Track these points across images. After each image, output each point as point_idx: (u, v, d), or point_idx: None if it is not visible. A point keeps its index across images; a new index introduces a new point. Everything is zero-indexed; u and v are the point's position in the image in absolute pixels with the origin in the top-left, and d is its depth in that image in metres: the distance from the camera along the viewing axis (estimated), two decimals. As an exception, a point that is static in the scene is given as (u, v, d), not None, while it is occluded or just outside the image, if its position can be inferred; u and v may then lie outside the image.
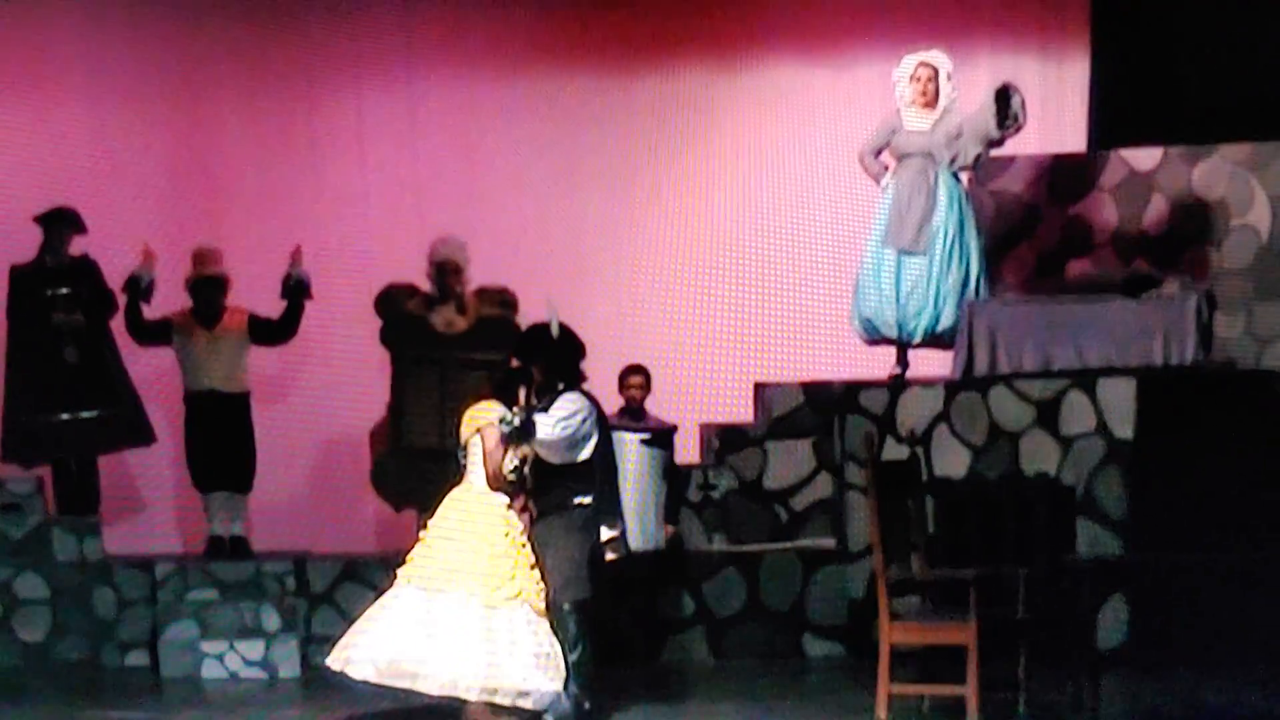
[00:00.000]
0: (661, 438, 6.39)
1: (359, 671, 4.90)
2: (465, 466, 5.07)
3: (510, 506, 5.04)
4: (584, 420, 5.00)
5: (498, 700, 4.83)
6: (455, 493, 5.08)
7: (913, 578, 5.25)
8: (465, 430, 5.07)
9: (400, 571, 5.05)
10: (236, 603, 6.46)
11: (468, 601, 4.84)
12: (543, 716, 4.91)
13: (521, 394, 5.06)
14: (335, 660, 4.99)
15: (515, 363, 5.19)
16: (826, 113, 7.56)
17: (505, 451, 4.97)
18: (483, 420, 5.02)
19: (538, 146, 7.55)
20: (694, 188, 7.58)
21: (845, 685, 5.84)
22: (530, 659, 4.83)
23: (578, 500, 5.02)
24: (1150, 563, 5.66)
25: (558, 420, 4.98)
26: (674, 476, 6.44)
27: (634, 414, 6.44)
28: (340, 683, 5.04)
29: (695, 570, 6.54)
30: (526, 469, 5.03)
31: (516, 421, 4.92)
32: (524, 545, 5.00)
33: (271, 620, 6.45)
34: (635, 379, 6.48)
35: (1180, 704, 5.38)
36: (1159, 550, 5.84)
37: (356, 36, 7.54)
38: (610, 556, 5.09)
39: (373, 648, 4.88)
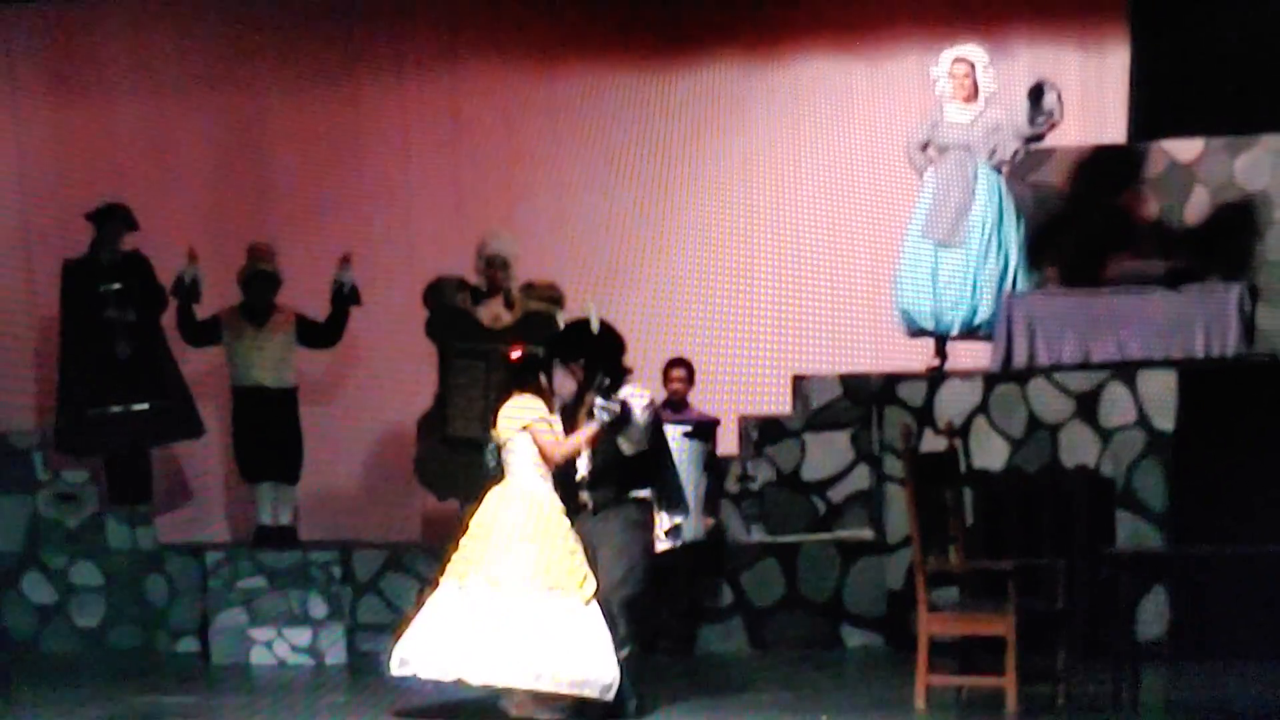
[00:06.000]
0: (703, 430, 6.42)
1: (476, 676, 4.80)
2: (503, 464, 5.00)
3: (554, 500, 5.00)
4: (650, 405, 5.01)
5: (588, 694, 4.82)
6: (502, 491, 4.99)
7: (951, 569, 5.24)
8: (505, 429, 4.99)
9: (468, 570, 4.89)
10: (285, 591, 6.57)
11: (560, 599, 4.82)
12: (626, 706, 4.93)
13: (543, 379, 4.98)
14: (423, 666, 4.84)
15: (516, 355, 5.05)
16: (864, 105, 7.55)
17: (596, 439, 4.84)
18: (527, 417, 4.96)
19: (577, 142, 7.61)
20: (732, 180, 7.60)
21: (883, 676, 5.86)
22: (610, 651, 4.87)
23: (635, 494, 5.00)
24: (1191, 555, 5.63)
25: (637, 405, 4.96)
26: (715, 469, 6.49)
27: (676, 407, 6.49)
28: (407, 683, 4.96)
29: (734, 561, 6.58)
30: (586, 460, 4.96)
31: (617, 408, 4.84)
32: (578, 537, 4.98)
33: (319, 608, 6.56)
34: (678, 372, 6.53)
35: (1220, 697, 5.36)
36: (1199, 543, 5.81)
37: (400, 36, 7.61)
38: (660, 548, 5.06)
39: (467, 649, 4.80)
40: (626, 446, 4.98)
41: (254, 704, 5.77)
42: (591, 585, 4.89)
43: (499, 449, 5.02)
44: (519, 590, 4.83)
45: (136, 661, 6.60)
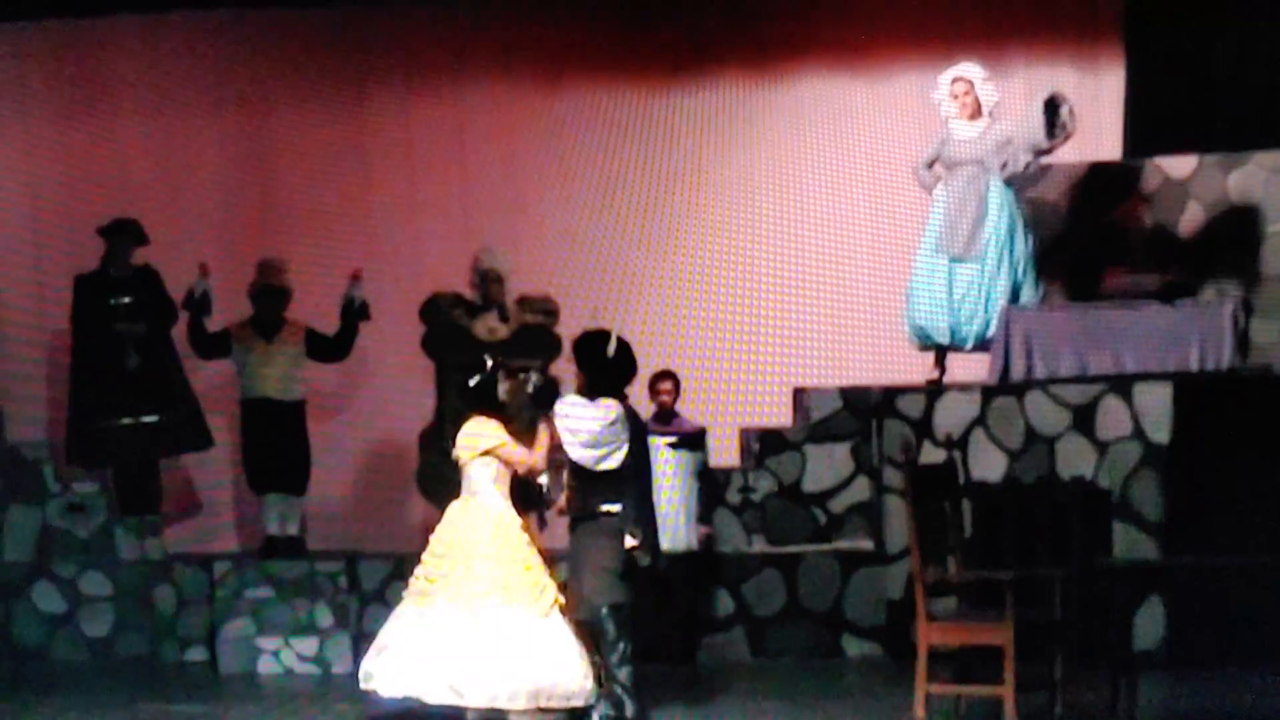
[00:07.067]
0: (691, 440, 6.49)
1: (431, 694, 4.84)
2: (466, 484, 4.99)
3: (522, 516, 5.02)
4: (613, 424, 5.06)
5: (554, 705, 4.87)
6: (463, 508, 5.00)
7: (949, 579, 5.30)
8: (464, 453, 4.99)
9: (432, 588, 4.93)
10: (291, 601, 6.64)
11: (518, 614, 4.87)
12: (590, 714, 4.99)
13: (500, 391, 5.02)
14: (385, 684, 4.90)
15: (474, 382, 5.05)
16: (864, 122, 7.65)
17: (531, 423, 4.91)
18: (488, 441, 4.97)
19: (582, 158, 7.70)
20: (734, 196, 7.69)
21: (883, 685, 5.93)
22: (579, 661, 4.92)
23: (605, 508, 5.06)
24: (1186, 566, 5.69)
25: (590, 410, 5.01)
26: (707, 478, 6.55)
27: (664, 418, 6.55)
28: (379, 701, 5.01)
29: (735, 571, 6.65)
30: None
31: (540, 381, 4.94)
32: (538, 552, 5.03)
33: (325, 618, 6.63)
34: (665, 384, 6.59)
35: (1216, 706, 5.42)
36: (1195, 553, 5.87)
37: (407, 55, 7.71)
38: (643, 563, 5.12)
39: (426, 668, 4.84)
40: (590, 458, 4.99)
41: (261, 713, 5.84)
42: (551, 597, 4.92)
43: (462, 467, 5.02)
44: (480, 607, 4.87)
45: (145, 670, 6.66)
